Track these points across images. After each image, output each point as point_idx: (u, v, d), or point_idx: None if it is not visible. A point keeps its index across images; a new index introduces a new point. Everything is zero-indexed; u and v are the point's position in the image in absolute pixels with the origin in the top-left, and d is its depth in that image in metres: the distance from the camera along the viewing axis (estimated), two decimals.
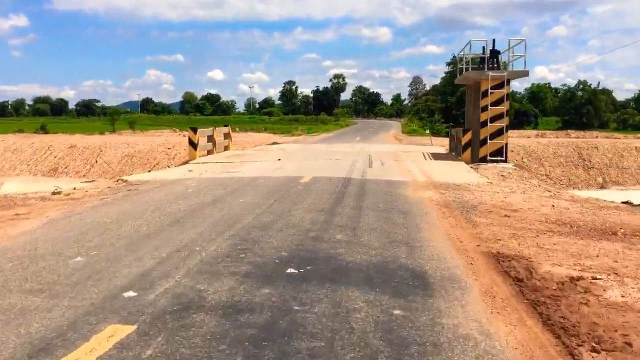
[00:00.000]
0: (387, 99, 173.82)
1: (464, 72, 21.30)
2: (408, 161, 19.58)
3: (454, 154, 23.06)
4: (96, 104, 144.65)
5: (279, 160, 19.41)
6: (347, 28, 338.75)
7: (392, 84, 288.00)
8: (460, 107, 68.00)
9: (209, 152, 21.98)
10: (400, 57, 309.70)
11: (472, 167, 17.72)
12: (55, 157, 32.19)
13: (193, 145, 20.08)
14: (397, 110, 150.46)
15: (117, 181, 14.15)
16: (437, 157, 21.88)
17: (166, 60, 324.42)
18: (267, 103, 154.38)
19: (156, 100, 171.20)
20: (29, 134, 48.17)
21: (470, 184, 13.37)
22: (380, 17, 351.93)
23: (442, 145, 32.18)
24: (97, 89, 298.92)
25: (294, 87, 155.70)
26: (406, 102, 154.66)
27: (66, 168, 31.28)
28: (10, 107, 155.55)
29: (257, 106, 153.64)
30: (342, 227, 8.07)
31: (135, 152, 32.16)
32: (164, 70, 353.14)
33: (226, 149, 24.22)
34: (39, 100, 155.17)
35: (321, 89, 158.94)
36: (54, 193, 12.04)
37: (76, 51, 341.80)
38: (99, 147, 32.75)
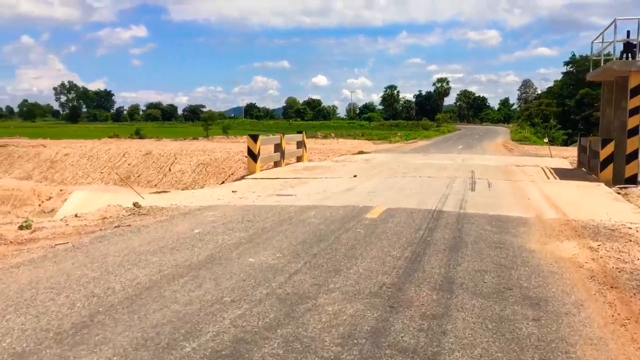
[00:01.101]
0: (494, 103, 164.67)
1: (601, 64, 16.11)
2: (524, 180, 14.67)
3: (584, 170, 17.80)
4: (202, 109, 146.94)
5: (354, 176, 15.20)
6: (452, 31, 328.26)
7: (499, 88, 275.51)
8: (581, 111, 60.77)
9: (276, 164, 18.19)
10: (509, 60, 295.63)
11: (617, 192, 12.63)
12: (129, 165, 29.80)
13: (252, 156, 16.33)
14: (504, 115, 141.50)
15: (135, 204, 10.55)
16: (562, 174, 16.69)
17: (272, 67, 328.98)
18: (368, 108, 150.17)
19: (261, 105, 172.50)
20: (120, 139, 47.12)
21: (633, 225, 8.49)
22: (488, 19, 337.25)
23: (562, 156, 26.54)
24: (208, 94, 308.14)
25: (395, 92, 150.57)
26: (514, 106, 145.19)
27: (139, 176, 28.75)
28: (125, 112, 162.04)
29: (358, 111, 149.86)
30: (405, 353, 3.80)
31: (211, 160, 29.09)
32: (270, 76, 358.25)
33: (299, 159, 20.36)
34: (151, 106, 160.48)
35: (424, 93, 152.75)
36: (20, 227, 8.58)
37: (189, 59, 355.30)
38: (174, 154, 30.01)
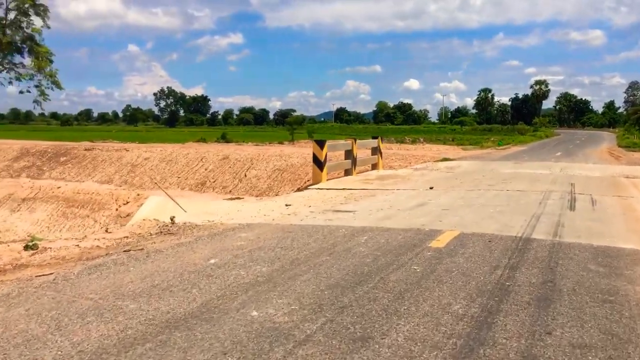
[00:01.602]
0: (597, 106, 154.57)
1: None
2: (637, 196, 12.15)
3: None
4: (292, 113, 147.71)
5: (430, 188, 13.24)
6: (552, 32, 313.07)
7: (603, 91, 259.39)
8: None
9: (346, 172, 16.51)
10: (614, 61, 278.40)
11: None
12: (205, 170, 29.13)
13: (318, 163, 14.72)
14: (609, 119, 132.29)
15: (171, 219, 9.24)
16: None
17: (364, 71, 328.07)
18: (460, 112, 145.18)
19: (352, 109, 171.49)
20: (206, 142, 47.11)
21: None
22: (591, 18, 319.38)
23: None
24: (300, 99, 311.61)
25: (489, 95, 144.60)
26: (620, 109, 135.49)
27: (214, 182, 27.96)
28: (220, 116, 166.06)
29: (450, 115, 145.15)
30: None
31: (287, 165, 27.83)
32: (361, 81, 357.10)
33: (374, 167, 18.55)
34: (244, 110, 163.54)
35: (520, 96, 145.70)
36: (25, 247, 7.42)
37: (283, 64, 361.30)
38: (251, 159, 29.01)
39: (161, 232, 8.09)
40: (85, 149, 35.02)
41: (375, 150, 18.70)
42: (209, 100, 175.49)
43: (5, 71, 43.40)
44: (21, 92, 43.96)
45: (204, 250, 6.72)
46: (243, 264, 5.99)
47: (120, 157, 33.00)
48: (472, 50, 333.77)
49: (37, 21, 43.31)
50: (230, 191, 27.23)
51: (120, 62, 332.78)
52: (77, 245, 7.43)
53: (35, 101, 44.69)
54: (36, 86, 43.81)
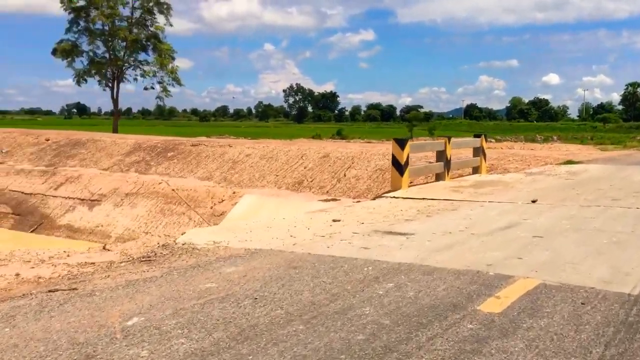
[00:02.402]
0: None
1: None
2: None
3: None
4: (419, 109, 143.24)
5: (533, 201, 10.32)
6: None
7: None
8: None
9: (438, 177, 13.89)
10: None
11: None
12: (304, 168, 27.51)
13: (397, 166, 12.29)
14: None
15: (173, 242, 7.42)
16: None
17: (499, 66, 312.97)
18: (604, 108, 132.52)
19: (484, 106, 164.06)
20: (322, 139, 45.73)
21: None
22: None
23: None
24: (431, 95, 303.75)
25: (638, 90, 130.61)
26: None
27: (312, 181, 26.23)
28: (347, 112, 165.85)
29: (591, 111, 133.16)
30: None
31: (390, 165, 25.48)
32: (496, 76, 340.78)
33: (475, 170, 15.66)
34: (371, 107, 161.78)
35: None
36: None
37: (414, 60, 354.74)
38: (352, 158, 26.94)
39: (142, 258, 6.22)
40: (192, 145, 34.94)
41: (478, 151, 15.78)
42: (338, 96, 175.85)
43: (131, 68, 44.83)
44: (145, 88, 45.26)
45: (149, 296, 4.70)
46: (169, 330, 3.92)
47: (223, 153, 32.43)
48: (620, 42, 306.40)
49: (160, 19, 44.30)
50: (327, 191, 25.40)
51: (256, 60, 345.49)
52: (17, 274, 5.75)
53: (158, 97, 45.79)
54: (159, 82, 44.85)
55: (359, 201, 14.67)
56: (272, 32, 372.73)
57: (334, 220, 8.38)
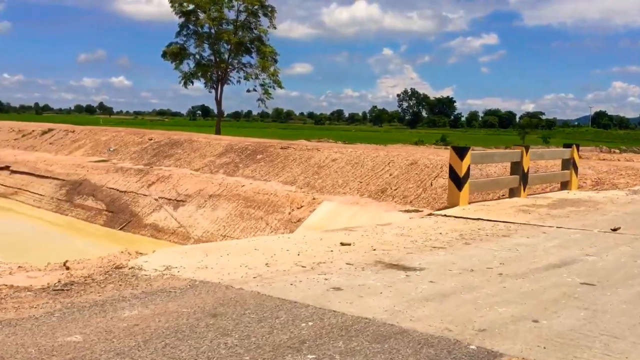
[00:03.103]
0: None
1: None
2: None
3: None
4: (540, 116, 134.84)
5: (614, 229, 8.14)
6: None
7: None
8: None
9: (512, 192, 11.83)
10: None
11: None
12: (390, 175, 25.85)
13: (455, 179, 10.49)
14: None
15: (125, 264, 6.34)
16: None
17: (635, 71, 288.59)
18: None
19: (616, 113, 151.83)
20: (425, 145, 43.60)
21: None
22: None
23: None
24: (557, 102, 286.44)
25: None
26: None
27: (395, 189, 24.52)
28: (463, 119, 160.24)
29: None
30: None
31: (481, 175, 23.17)
32: (631, 82, 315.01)
33: (564, 185, 13.33)
34: (489, 113, 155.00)
35: None
36: None
37: (540, 65, 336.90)
38: (441, 166, 24.90)
39: (61, 286, 5.13)
40: (282, 148, 34.39)
41: (567, 164, 13.40)
42: (455, 102, 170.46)
43: (235, 70, 45.38)
44: (248, 90, 45.59)
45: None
46: None
47: (309, 157, 31.51)
48: None
49: (264, 22, 44.46)
50: (410, 202, 23.69)
51: (375, 65, 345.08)
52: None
53: (260, 99, 45.98)
54: (261, 85, 45.04)
55: (431, 214, 12.84)
56: (392, 36, 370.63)
57: (342, 244, 6.90)
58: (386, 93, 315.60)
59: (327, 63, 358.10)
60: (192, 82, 44.91)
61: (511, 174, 11.89)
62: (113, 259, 6.25)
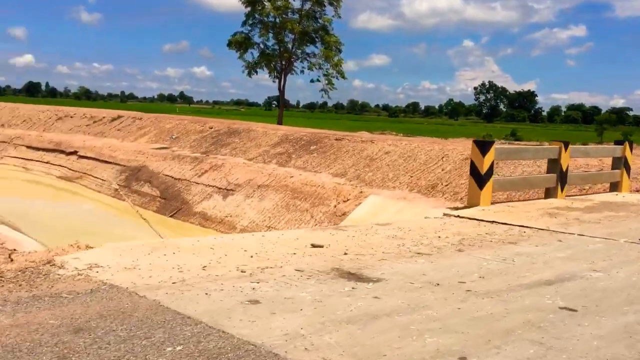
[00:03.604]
0: None
1: None
2: None
3: None
4: (627, 112, 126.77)
5: None
6: None
7: None
8: None
9: (548, 193, 10.60)
10: None
11: None
12: (442, 170, 24.57)
13: (476, 176, 9.45)
14: None
15: (51, 260, 5.84)
16: None
17: None
18: None
19: None
20: (485, 139, 41.55)
21: None
22: None
23: None
24: None
25: None
26: None
27: (446, 185, 23.27)
28: (543, 113, 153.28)
29: None
30: None
31: (540, 173, 21.61)
32: None
33: (614, 187, 11.87)
34: (572, 108, 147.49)
35: None
36: None
37: (631, 58, 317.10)
38: (497, 162, 23.46)
39: (16, 277, 4.71)
40: (336, 139, 33.65)
41: (618, 163, 11.91)
42: (536, 95, 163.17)
43: (299, 60, 45.05)
44: (312, 80, 45.15)
45: None
46: None
47: (362, 149, 30.58)
48: None
49: (329, 11, 43.83)
50: (460, 198, 22.46)
51: (454, 57, 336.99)
52: None
53: (323, 90, 45.45)
54: (324, 75, 44.48)
55: (445, 214, 11.88)
56: (473, 28, 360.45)
57: (312, 246, 6.16)
58: (465, 86, 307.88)
59: (405, 55, 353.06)
60: (256, 72, 44.90)
61: (547, 172, 10.68)
62: (54, 253, 5.80)
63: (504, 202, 10.43)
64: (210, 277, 4.77)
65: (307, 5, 43.40)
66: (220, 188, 27.49)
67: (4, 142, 43.44)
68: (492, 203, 9.69)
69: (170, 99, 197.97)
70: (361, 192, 25.09)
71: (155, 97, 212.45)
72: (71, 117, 46.57)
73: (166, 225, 24.58)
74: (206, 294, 4.30)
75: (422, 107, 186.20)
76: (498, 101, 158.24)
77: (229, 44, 43.95)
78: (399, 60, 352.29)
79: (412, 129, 58.84)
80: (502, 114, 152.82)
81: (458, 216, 8.62)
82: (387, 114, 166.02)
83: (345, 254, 5.84)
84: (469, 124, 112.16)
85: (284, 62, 44.27)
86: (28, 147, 41.17)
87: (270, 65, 44.28)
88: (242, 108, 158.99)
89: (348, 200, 24.32)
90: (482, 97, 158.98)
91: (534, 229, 7.66)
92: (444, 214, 8.90)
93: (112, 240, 6.13)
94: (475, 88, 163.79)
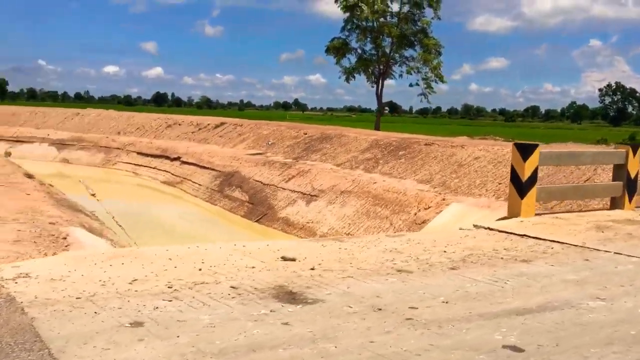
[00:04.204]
0: None
1: None
2: None
3: None
4: None
5: None
6: None
7: None
8: None
9: (614, 203, 9.23)
10: None
11: None
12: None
13: (517, 184, 8.40)
14: None
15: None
16: None
17: None
18: None
19: None
20: (607, 145, 38.24)
21: None
22: None
23: None
24: None
25: None
26: None
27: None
28: None
29: None
30: None
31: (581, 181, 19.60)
32: None
33: None
34: None
35: None
36: None
37: None
38: (595, 168, 21.35)
39: None
40: (426, 144, 32.40)
41: None
42: None
43: (397, 64, 44.32)
44: (410, 85, 44.24)
45: None
46: None
47: (451, 154, 29.16)
48: None
49: (428, 13, 42.81)
50: (551, 207, 20.80)
51: (579, 57, 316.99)
52: None
53: (422, 94, 44.35)
54: (423, 79, 43.40)
55: (475, 225, 10.77)
56: (601, 26, 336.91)
57: (284, 259, 5.63)
58: (592, 88, 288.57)
59: (525, 57, 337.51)
60: (354, 77, 44.68)
61: (613, 179, 9.35)
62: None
63: (555, 213, 9.28)
64: (126, 292, 4.43)
65: (406, 8, 42.56)
66: (304, 194, 27.42)
67: (118, 148, 46.28)
68: (538, 214, 8.63)
69: (285, 106, 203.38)
70: (443, 199, 23.99)
71: (272, 104, 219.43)
72: (179, 124, 48.72)
73: (252, 230, 24.89)
74: (95, 312, 3.94)
75: (542, 111, 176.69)
76: (626, 103, 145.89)
77: (327, 50, 44.09)
78: (518, 62, 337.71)
79: (524, 134, 55.78)
80: (631, 116, 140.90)
81: (488, 228, 7.72)
82: (503, 119, 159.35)
83: (312, 269, 5.28)
84: (591, 128, 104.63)
85: (381, 67, 43.68)
86: (139, 153, 43.60)
87: (368, 70, 43.86)
88: (353, 114, 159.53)
89: (429, 207, 23.36)
90: (607, 100, 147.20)
91: (566, 244, 6.63)
92: (474, 225, 8.01)
93: (190, 241, 6.06)
94: (600, 90, 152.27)
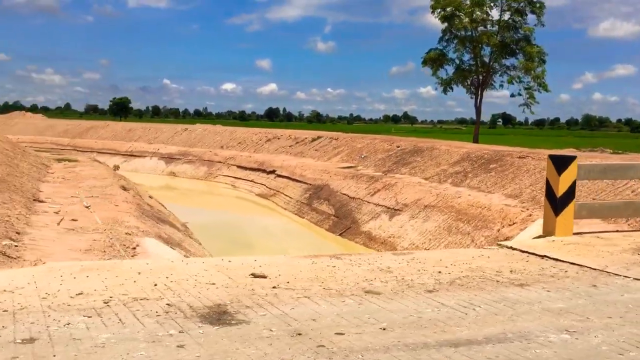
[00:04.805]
0: None
1: None
2: None
3: None
4: None
5: None
6: None
7: None
8: None
9: None
10: None
11: None
12: (632, 192, 20.89)
13: (551, 200, 7.62)
14: None
15: None
16: None
17: None
18: None
19: None
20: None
21: None
22: None
23: None
24: None
25: None
26: None
27: (637, 210, 19.74)
28: None
29: None
30: None
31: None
32: None
33: None
34: None
35: None
36: None
37: None
38: None
39: None
40: (519, 157, 30.59)
41: None
42: None
43: (497, 74, 42.78)
44: (512, 95, 42.47)
45: None
46: None
47: (544, 167, 27.35)
48: None
49: (531, 20, 40.98)
50: (630, 223, 19.06)
51: None
52: None
53: (525, 104, 42.39)
54: (526, 89, 41.49)
55: (499, 244, 10.04)
56: None
57: (254, 276, 5.49)
58: None
59: None
60: (452, 89, 43.58)
61: None
62: None
63: (602, 232, 8.37)
64: (58, 306, 4.39)
65: (507, 16, 40.97)
66: (388, 207, 27.07)
67: (220, 162, 48.18)
68: (579, 233, 7.84)
69: (395, 119, 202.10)
70: (530, 215, 22.69)
71: (381, 118, 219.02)
72: (278, 138, 49.88)
73: (336, 243, 24.95)
74: (3, 326, 3.97)
75: None
76: None
77: (424, 62, 43.38)
78: None
79: None
80: None
81: (510, 247, 7.12)
82: (629, 129, 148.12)
83: (274, 287, 5.11)
84: None
85: (480, 77, 42.27)
86: (238, 166, 45.18)
87: (466, 81, 42.60)
88: (463, 127, 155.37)
89: (514, 224, 22.20)
90: None
91: (584, 268, 5.95)
92: (497, 244, 7.43)
93: (265, 253, 6.09)
94: None
